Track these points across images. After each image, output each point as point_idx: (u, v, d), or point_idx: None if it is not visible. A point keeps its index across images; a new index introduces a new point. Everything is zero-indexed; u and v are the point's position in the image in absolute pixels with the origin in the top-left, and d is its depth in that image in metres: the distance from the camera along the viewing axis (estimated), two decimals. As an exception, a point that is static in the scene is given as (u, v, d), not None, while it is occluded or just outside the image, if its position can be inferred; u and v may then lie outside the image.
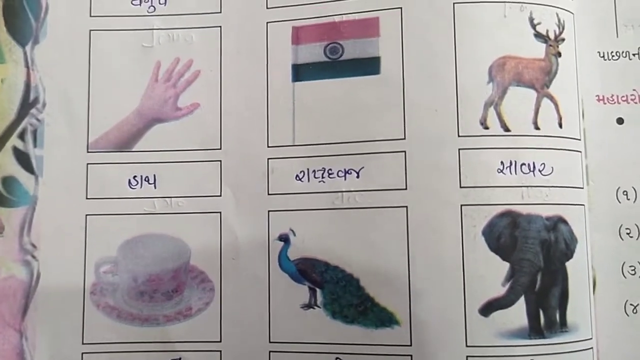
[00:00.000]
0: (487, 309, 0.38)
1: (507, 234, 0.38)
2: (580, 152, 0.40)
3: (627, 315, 0.41)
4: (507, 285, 0.38)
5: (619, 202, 0.42)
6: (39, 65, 0.43)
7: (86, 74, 0.43)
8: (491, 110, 0.39)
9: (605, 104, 0.43)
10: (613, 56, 0.43)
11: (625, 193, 0.42)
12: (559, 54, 0.40)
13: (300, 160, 0.41)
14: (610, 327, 0.41)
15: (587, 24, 0.42)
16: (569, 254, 0.39)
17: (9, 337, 0.41)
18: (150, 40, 0.43)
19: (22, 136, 0.42)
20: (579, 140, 0.40)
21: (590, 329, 0.39)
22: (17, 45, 0.43)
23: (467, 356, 0.38)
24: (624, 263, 0.41)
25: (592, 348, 0.39)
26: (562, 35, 0.40)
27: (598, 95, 0.43)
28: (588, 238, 0.40)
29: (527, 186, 0.38)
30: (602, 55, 0.43)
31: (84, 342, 0.41)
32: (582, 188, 0.40)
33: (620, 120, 0.42)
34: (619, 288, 0.41)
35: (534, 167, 0.39)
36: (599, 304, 0.40)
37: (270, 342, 0.40)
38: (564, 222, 0.39)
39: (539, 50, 0.40)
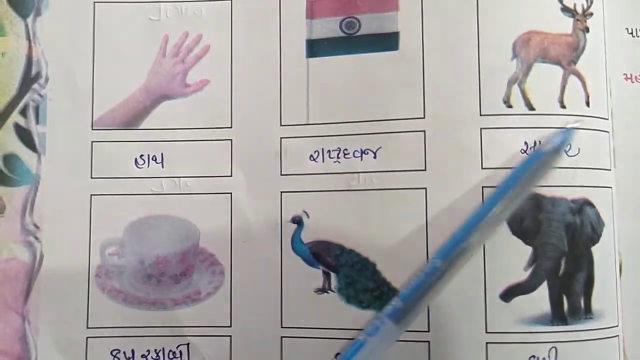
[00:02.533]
0: (508, 294, 0.39)
1: (530, 217, 0.39)
2: (608, 132, 0.41)
3: (655, 300, 0.42)
4: (530, 270, 0.39)
5: None
6: (41, 39, 0.44)
7: (90, 47, 0.44)
8: (515, 87, 0.40)
9: (633, 82, 0.43)
10: None
11: None
12: (587, 29, 0.41)
13: (315, 140, 0.42)
14: (636, 314, 0.42)
15: (616, 1, 0.43)
16: (595, 238, 0.40)
17: (11, 320, 0.42)
18: (158, 14, 0.44)
19: (24, 112, 0.43)
20: (607, 120, 0.41)
21: (616, 316, 0.40)
22: (18, 17, 0.44)
23: (486, 342, 0.39)
24: None
25: (617, 336, 0.40)
26: (590, 10, 0.41)
27: (626, 74, 0.43)
28: (615, 222, 0.41)
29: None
30: (630, 32, 0.44)
31: (89, 326, 0.42)
32: (610, 170, 0.41)
33: (649, 100, 0.43)
34: (646, 274, 0.42)
35: (559, 147, 0.39)
36: (625, 291, 0.41)
37: (282, 327, 0.41)
38: (591, 205, 0.40)
39: (566, 25, 0.41)
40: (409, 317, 0.38)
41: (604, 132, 0.41)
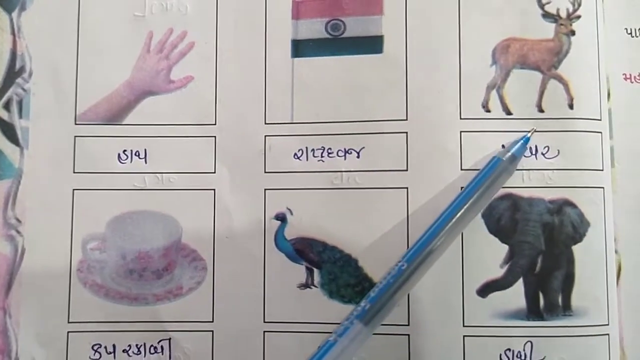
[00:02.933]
0: (485, 290, 0.41)
1: (507, 217, 0.41)
2: (599, 133, 0.42)
3: (655, 299, 0.43)
4: (506, 267, 0.41)
5: None
6: (25, 33, 0.44)
7: (75, 42, 0.44)
8: (494, 93, 0.42)
9: (632, 82, 0.45)
10: None
11: None
12: (572, 33, 0.42)
13: (299, 138, 0.43)
14: (636, 314, 0.43)
15: (615, 1, 0.45)
16: (577, 237, 0.42)
17: (-9, 314, 0.42)
18: (143, 9, 0.45)
19: (7, 106, 0.43)
20: (599, 120, 0.42)
21: (606, 314, 0.42)
22: (3, 11, 0.44)
23: (464, 336, 0.41)
24: None
25: (607, 334, 0.42)
26: (578, 13, 0.43)
27: (625, 74, 0.45)
28: (609, 221, 0.42)
29: (527, 169, 0.41)
30: (629, 32, 0.45)
31: (70, 320, 0.43)
32: (602, 170, 0.42)
33: (647, 100, 0.45)
34: (646, 273, 0.44)
35: (537, 150, 0.42)
36: (625, 289, 0.43)
37: (265, 322, 0.43)
38: (572, 205, 0.42)
39: (548, 30, 0.43)
40: (378, 318, 0.40)
41: (594, 133, 0.42)
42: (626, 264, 0.43)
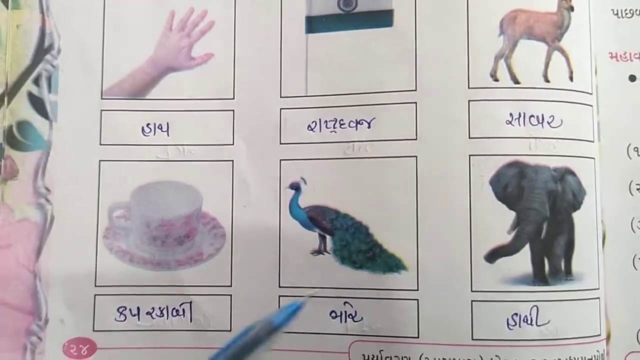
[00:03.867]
0: (493, 255, 0.42)
1: (514, 184, 0.42)
2: (591, 106, 0.43)
3: (636, 269, 0.45)
4: (513, 233, 0.42)
5: (630, 159, 0.45)
6: (54, 12, 0.46)
7: (101, 21, 0.46)
8: (501, 62, 0.43)
9: (618, 61, 0.46)
10: (627, 14, 0.46)
11: (636, 149, 0.45)
12: (572, 8, 0.43)
13: (313, 111, 0.45)
14: (619, 281, 0.44)
15: None
16: (576, 204, 0.43)
17: (23, 277, 0.45)
18: (165, -11, 0.47)
19: (37, 81, 0.46)
20: (591, 94, 0.43)
21: (597, 279, 0.43)
22: (32, -9, 0.46)
23: (471, 301, 0.42)
24: (633, 218, 0.45)
25: (598, 298, 0.43)
26: (576, -10, 0.44)
27: (611, 53, 0.46)
28: (598, 191, 0.43)
29: (535, 137, 0.42)
30: (615, 12, 0.46)
31: (97, 284, 0.45)
32: (593, 142, 0.43)
33: (632, 78, 0.46)
34: (628, 243, 0.45)
35: (543, 119, 0.42)
36: (608, 258, 0.44)
37: (280, 286, 0.44)
38: (572, 173, 0.42)
39: (551, 3, 0.43)
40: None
41: (587, 106, 0.43)
42: (610, 233, 0.45)
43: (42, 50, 0.46)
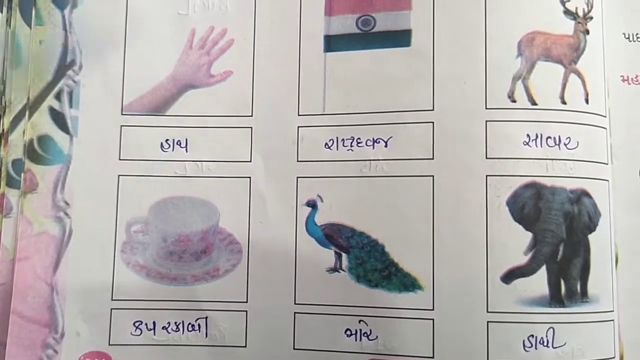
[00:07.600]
0: (509, 276, 0.41)
1: (531, 205, 0.41)
2: (605, 128, 0.43)
3: (649, 291, 0.44)
4: (530, 254, 0.41)
5: None
6: (76, 29, 0.46)
7: (122, 39, 0.46)
8: (519, 83, 0.42)
9: (629, 84, 0.45)
10: (638, 37, 0.46)
11: None
12: (587, 32, 0.43)
13: (330, 129, 0.44)
14: (631, 304, 0.43)
15: (614, 5, 0.45)
16: (592, 226, 0.42)
17: (41, 290, 0.44)
18: (186, 8, 0.46)
19: (58, 97, 0.45)
20: (604, 117, 0.43)
21: (612, 301, 0.42)
22: (55, 8, 0.46)
23: (487, 321, 0.41)
24: None
25: (613, 320, 0.42)
26: (591, 14, 0.43)
27: (623, 76, 0.45)
28: (612, 213, 0.43)
29: (552, 159, 0.41)
30: (627, 36, 0.46)
31: (113, 298, 0.44)
32: (607, 164, 0.43)
33: (644, 101, 0.45)
34: (640, 264, 0.44)
35: (560, 140, 0.41)
36: (621, 280, 0.43)
37: (295, 303, 0.43)
38: (588, 195, 0.42)
39: (568, 27, 0.42)
40: None
41: (602, 128, 0.43)
42: (622, 255, 0.44)
43: (64, 66, 0.45)
